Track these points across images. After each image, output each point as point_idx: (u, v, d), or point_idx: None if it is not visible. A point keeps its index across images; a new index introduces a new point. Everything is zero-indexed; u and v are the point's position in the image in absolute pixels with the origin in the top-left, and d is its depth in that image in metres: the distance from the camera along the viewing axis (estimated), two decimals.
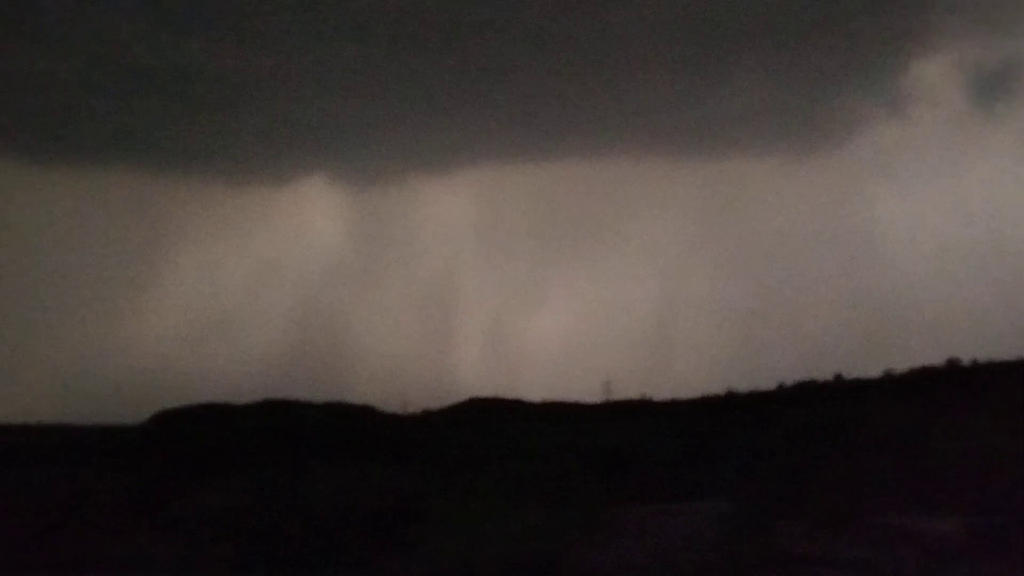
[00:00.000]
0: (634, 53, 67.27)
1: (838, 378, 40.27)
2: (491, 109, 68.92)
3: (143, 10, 64.90)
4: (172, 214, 66.65)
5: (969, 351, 39.18)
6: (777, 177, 66.27)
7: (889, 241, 59.62)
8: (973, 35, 66.36)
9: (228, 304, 63.44)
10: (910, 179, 63.96)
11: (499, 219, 68.08)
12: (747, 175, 66.84)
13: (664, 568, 23.49)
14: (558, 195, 67.50)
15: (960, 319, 50.47)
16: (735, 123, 66.95)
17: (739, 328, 56.98)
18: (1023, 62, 62.47)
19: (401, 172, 70.14)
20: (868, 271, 58.29)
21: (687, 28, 67.91)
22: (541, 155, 69.95)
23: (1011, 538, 23.03)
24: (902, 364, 39.60)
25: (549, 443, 34.04)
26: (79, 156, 72.01)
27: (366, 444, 33.25)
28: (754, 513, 25.18)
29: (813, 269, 60.69)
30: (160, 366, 54.03)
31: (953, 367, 39.03)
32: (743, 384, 40.83)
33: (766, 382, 40.62)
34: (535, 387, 44.95)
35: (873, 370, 39.68)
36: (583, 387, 43.76)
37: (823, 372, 40.78)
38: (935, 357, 39.56)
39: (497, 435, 35.38)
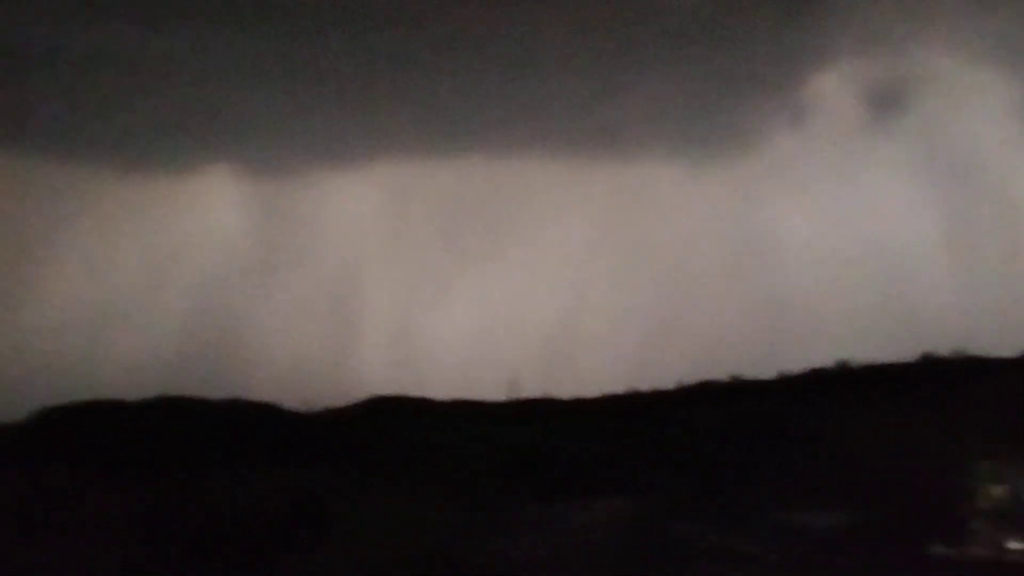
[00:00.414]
0: (546, 53, 67.79)
1: (735, 378, 41.61)
2: (401, 104, 68.34)
3: None
4: (63, 203, 63.67)
5: (858, 353, 41.10)
6: (680, 183, 67.83)
7: (785, 247, 61.75)
8: (867, 52, 69.43)
9: (122, 297, 61.10)
10: (806, 188, 66.40)
11: (406, 216, 67.58)
12: (651, 180, 68.20)
13: (568, 565, 23.83)
14: (466, 193, 67.42)
15: (850, 323, 52.68)
16: (641, 128, 68.20)
17: (641, 328, 58.08)
18: (913, 80, 65.87)
19: (307, 165, 68.77)
20: (765, 276, 60.25)
21: (597, 32, 68.81)
22: (450, 152, 69.70)
23: (894, 532, 24.27)
24: (795, 365, 41.19)
25: (454, 441, 34.07)
26: None
27: (267, 443, 32.59)
28: (655, 510, 25.78)
29: (713, 273, 62.33)
30: (45, 362, 51.51)
31: (843, 368, 40.89)
32: (645, 383, 41.70)
33: (667, 382, 41.62)
34: (440, 385, 44.72)
35: (768, 371, 41.15)
36: (489, 385, 43.77)
37: (721, 372, 42.11)
38: (826, 359, 41.33)
39: (402, 433, 35.19)
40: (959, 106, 62.72)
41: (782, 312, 56.22)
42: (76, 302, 58.72)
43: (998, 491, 24.97)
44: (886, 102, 67.47)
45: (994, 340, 41.07)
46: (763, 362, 42.50)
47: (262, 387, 42.02)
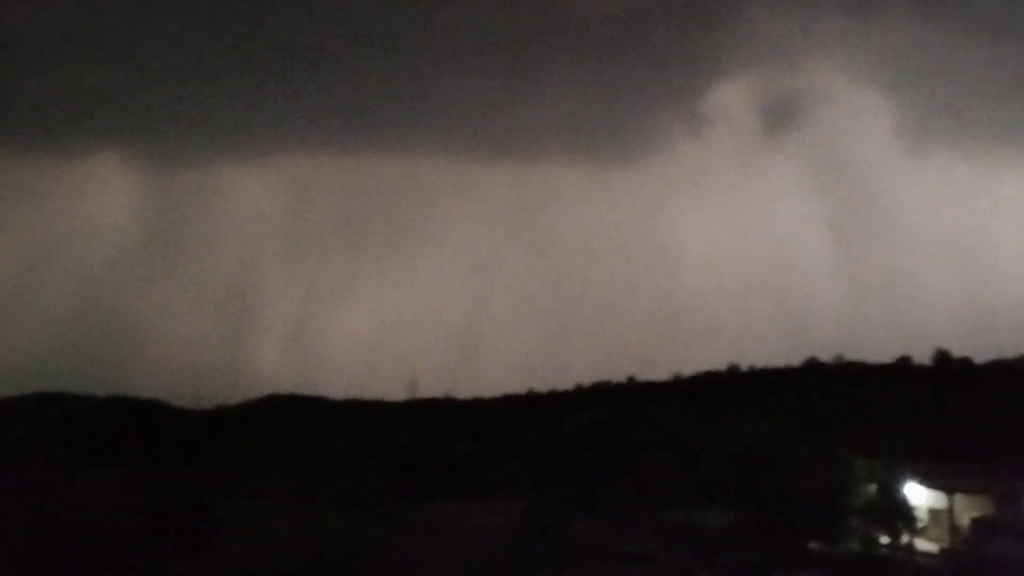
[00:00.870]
0: (454, 55, 67.89)
1: (630, 380, 42.52)
2: (306, 98, 67.19)
3: None
4: None
5: (747, 358, 42.56)
6: (583, 185, 68.84)
7: (682, 253, 63.37)
8: (764, 66, 71.97)
9: None
10: (703, 195, 68.30)
11: (308, 210, 66.48)
12: (554, 182, 69.01)
13: (460, 564, 23.83)
14: (370, 190, 66.81)
15: (740, 328, 54.42)
16: (545, 131, 69.01)
17: (541, 330, 58.70)
18: (806, 95, 68.52)
19: (206, 156, 66.78)
20: (662, 280, 61.68)
21: (505, 37, 69.31)
22: (356, 149, 69.02)
23: (776, 530, 25.17)
24: (688, 368, 42.38)
25: (348, 441, 33.71)
26: None
27: (152, 440, 31.52)
28: (548, 509, 26.04)
29: (612, 276, 63.48)
30: None
31: (733, 372, 42.28)
32: (543, 384, 42.22)
33: (564, 382, 42.22)
34: (338, 384, 44.19)
35: (662, 373, 42.20)
36: (389, 385, 43.55)
37: (618, 374, 42.95)
38: (718, 362, 42.64)
39: (295, 432, 34.64)
40: (848, 123, 65.61)
41: (677, 316, 57.68)
42: None
43: (872, 490, 26.13)
44: (781, 116, 70.00)
45: (874, 347, 43.23)
46: (658, 364, 43.62)
47: (150, 383, 40.66)
